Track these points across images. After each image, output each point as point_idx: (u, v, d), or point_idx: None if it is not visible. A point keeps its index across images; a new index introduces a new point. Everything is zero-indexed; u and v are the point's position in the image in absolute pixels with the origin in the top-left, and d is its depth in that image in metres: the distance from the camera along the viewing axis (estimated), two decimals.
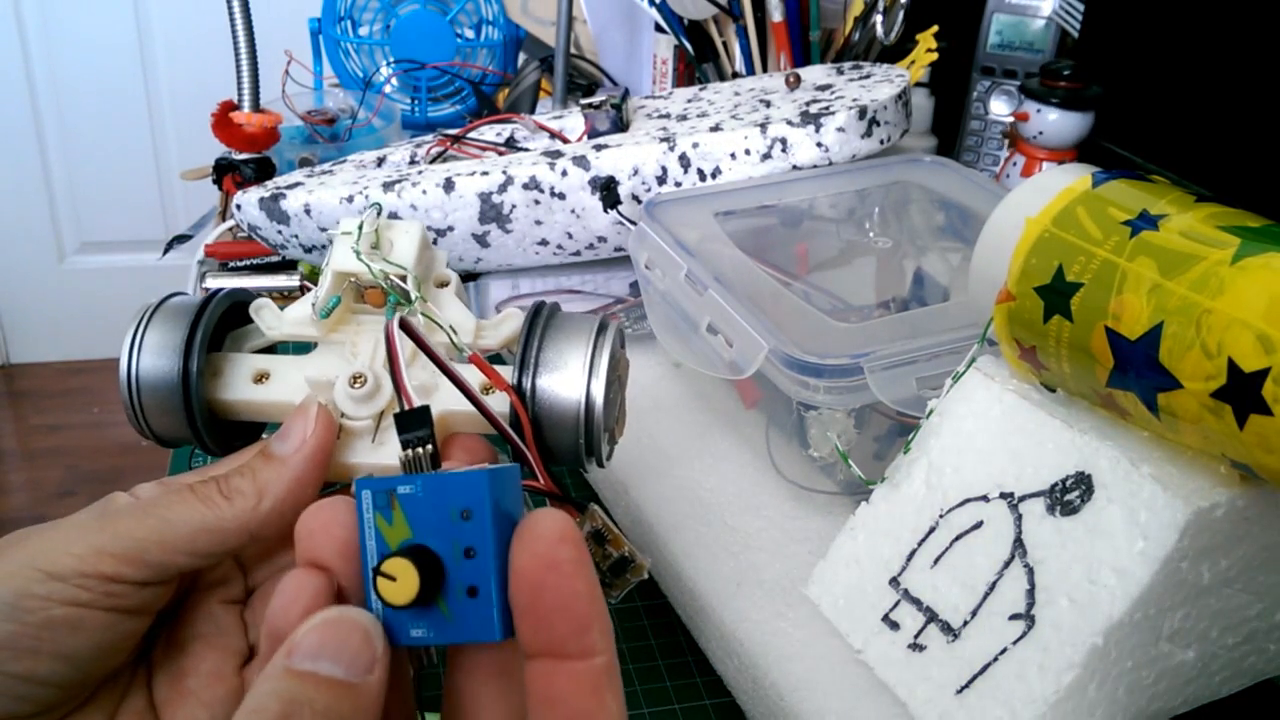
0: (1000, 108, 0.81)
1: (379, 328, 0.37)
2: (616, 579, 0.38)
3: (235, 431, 0.39)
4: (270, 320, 0.38)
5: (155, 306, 0.38)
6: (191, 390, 0.36)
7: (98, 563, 0.31)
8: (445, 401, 0.36)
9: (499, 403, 0.36)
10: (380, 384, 0.36)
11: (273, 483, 0.33)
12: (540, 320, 0.37)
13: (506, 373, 0.37)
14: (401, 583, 0.26)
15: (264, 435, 0.39)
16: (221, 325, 0.39)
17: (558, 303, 0.38)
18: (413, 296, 0.36)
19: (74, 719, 0.32)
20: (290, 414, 0.35)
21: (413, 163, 0.71)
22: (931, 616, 0.39)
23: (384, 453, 0.36)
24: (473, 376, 0.36)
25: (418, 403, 0.32)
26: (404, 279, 0.36)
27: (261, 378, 0.38)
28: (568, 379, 0.36)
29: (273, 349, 0.39)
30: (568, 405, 0.36)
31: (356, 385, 0.36)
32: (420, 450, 0.30)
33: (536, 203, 0.61)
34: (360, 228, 0.37)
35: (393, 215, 0.59)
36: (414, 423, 0.30)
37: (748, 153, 0.61)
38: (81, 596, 0.30)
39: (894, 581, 0.41)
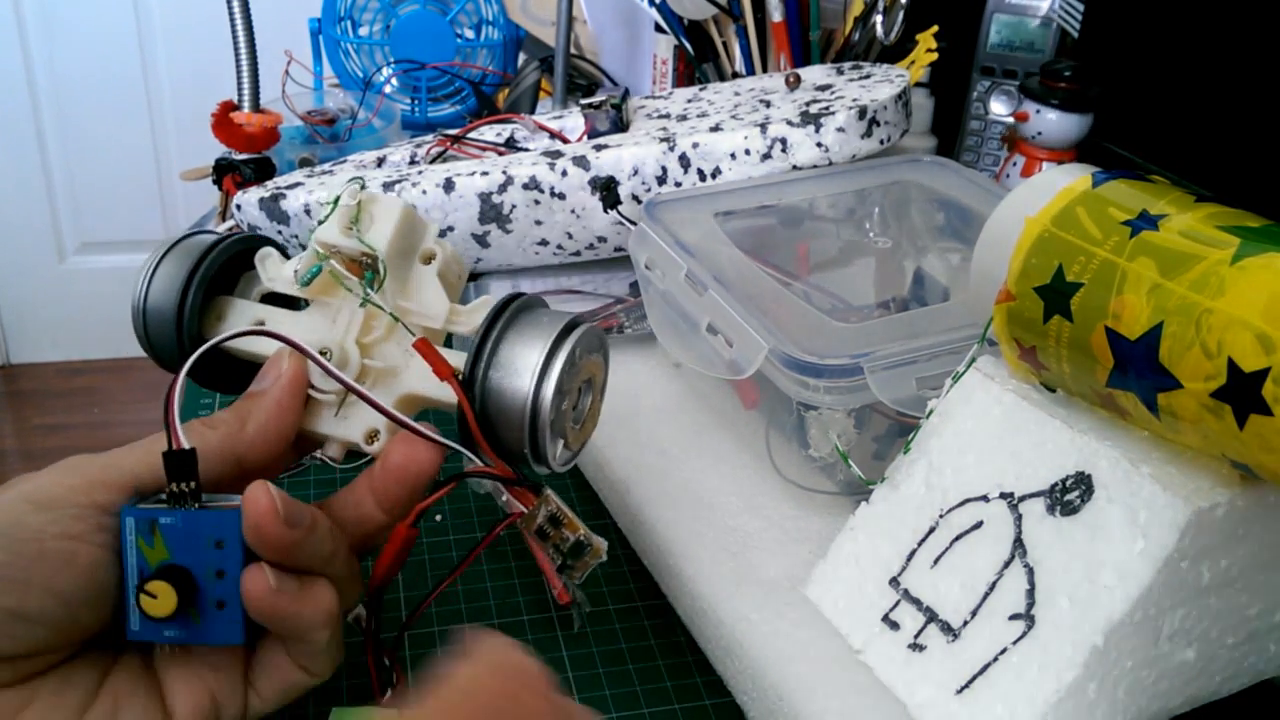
0: (1000, 108, 0.81)
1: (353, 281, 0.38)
2: (576, 561, 0.39)
3: (232, 372, 0.40)
4: (271, 271, 0.40)
5: (175, 243, 0.41)
6: (184, 327, 0.39)
7: (90, 491, 0.32)
8: (410, 383, 0.38)
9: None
10: (347, 359, 0.37)
11: (254, 410, 0.36)
12: (505, 314, 0.37)
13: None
14: (161, 600, 0.31)
15: None
16: (241, 266, 0.41)
17: (538, 297, 0.38)
18: (361, 289, 0.37)
19: (64, 670, 0.32)
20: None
21: (413, 163, 0.71)
22: (931, 616, 0.39)
23: (346, 427, 0.38)
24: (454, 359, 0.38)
25: (186, 444, 0.33)
26: (375, 259, 0.38)
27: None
28: (515, 378, 0.36)
29: (280, 297, 0.41)
30: (513, 404, 0.36)
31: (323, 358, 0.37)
32: (184, 487, 0.32)
33: (536, 203, 0.61)
34: (336, 201, 0.38)
35: None
36: (181, 464, 0.32)
37: (748, 153, 0.61)
38: (74, 528, 0.31)
39: (894, 581, 0.41)
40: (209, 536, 0.32)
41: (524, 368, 0.36)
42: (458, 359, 0.38)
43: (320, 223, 0.38)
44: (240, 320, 0.40)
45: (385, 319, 0.38)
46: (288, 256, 0.40)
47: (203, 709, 0.33)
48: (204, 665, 0.34)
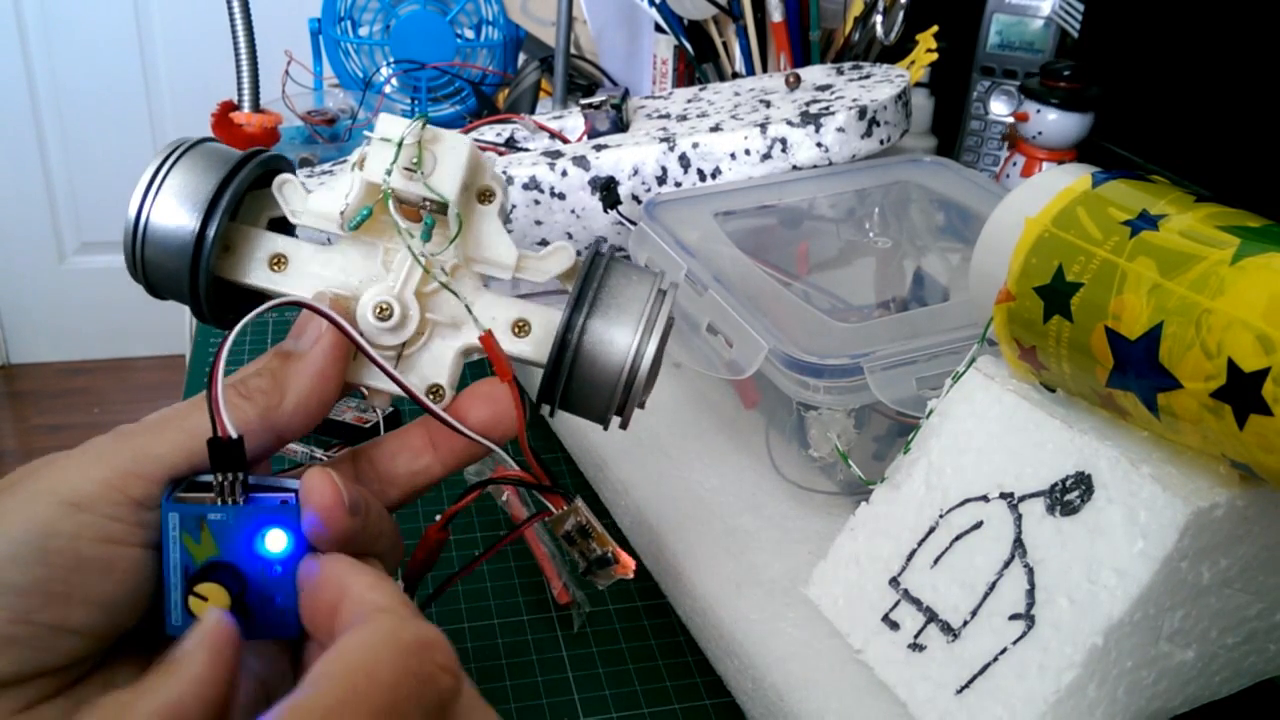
0: (1000, 108, 0.81)
1: (414, 241, 0.34)
2: (600, 570, 0.37)
3: (233, 301, 0.36)
4: (294, 203, 0.35)
5: (188, 147, 0.35)
6: (202, 261, 0.34)
7: (124, 485, 0.29)
8: (474, 336, 0.35)
9: (534, 345, 0.35)
10: (408, 314, 0.34)
11: (294, 378, 0.32)
12: (603, 259, 0.35)
13: (548, 315, 0.35)
14: (213, 601, 0.29)
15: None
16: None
17: (612, 245, 0.36)
18: (437, 273, 0.34)
19: (107, 673, 0.30)
20: (302, 312, 0.33)
21: None
22: (931, 616, 0.39)
23: (405, 380, 0.34)
24: (503, 309, 0.35)
25: (232, 431, 0.30)
26: (444, 209, 0.33)
27: (278, 262, 0.35)
28: (622, 327, 0.34)
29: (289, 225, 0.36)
30: (615, 354, 0.34)
31: (382, 316, 0.34)
32: (232, 478, 0.30)
33: (536, 203, 0.61)
34: (400, 144, 0.33)
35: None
36: (227, 455, 0.30)
37: (748, 153, 0.61)
38: (111, 530, 0.28)
39: (894, 581, 0.41)
40: (262, 529, 0.30)
41: (631, 317, 0.34)
42: (511, 308, 0.35)
43: (388, 171, 0.33)
44: (258, 255, 0.35)
45: (446, 261, 0.34)
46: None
47: (251, 697, 0.31)
48: (251, 654, 0.32)
